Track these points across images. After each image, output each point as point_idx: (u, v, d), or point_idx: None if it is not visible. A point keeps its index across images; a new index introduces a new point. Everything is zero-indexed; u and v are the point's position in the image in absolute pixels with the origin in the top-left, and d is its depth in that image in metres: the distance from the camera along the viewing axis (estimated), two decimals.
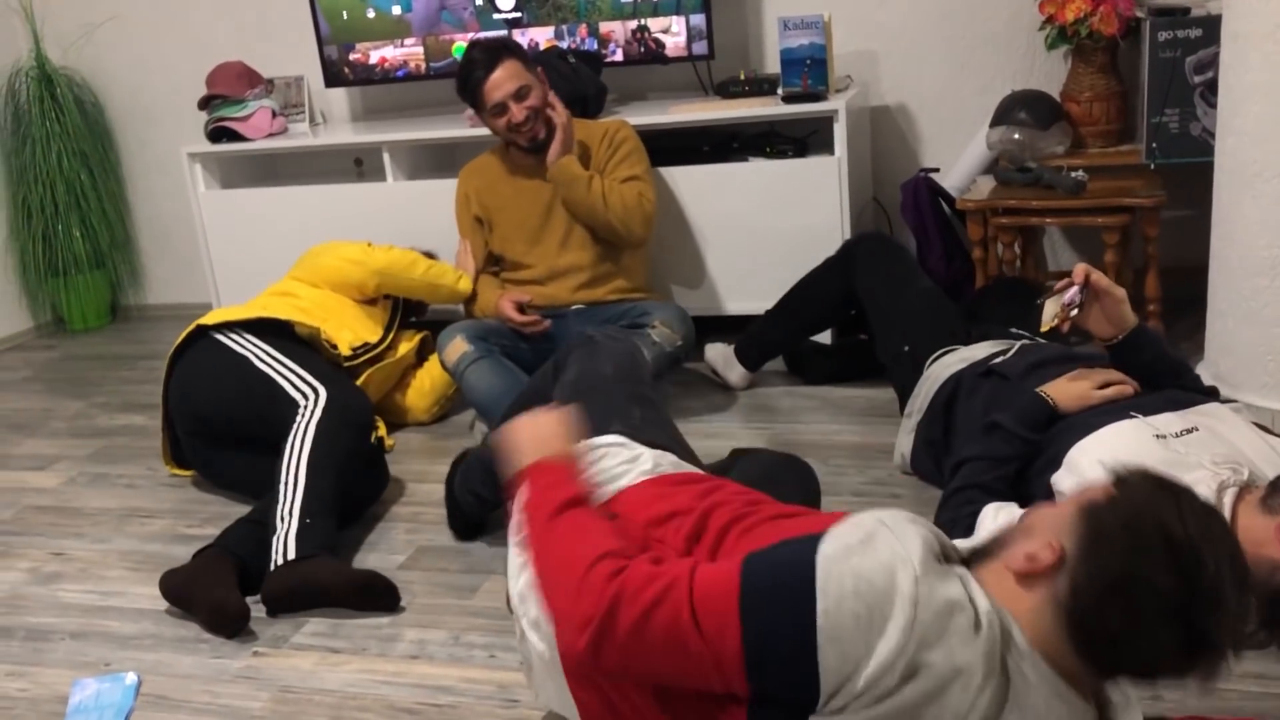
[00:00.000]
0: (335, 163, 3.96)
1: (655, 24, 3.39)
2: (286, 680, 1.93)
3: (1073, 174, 2.88)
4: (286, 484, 2.27)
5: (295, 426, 2.37)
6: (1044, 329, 2.07)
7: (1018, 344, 2.32)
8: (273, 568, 2.14)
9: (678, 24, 3.37)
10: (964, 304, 2.88)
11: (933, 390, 2.31)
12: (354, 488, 2.41)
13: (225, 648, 2.05)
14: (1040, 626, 1.18)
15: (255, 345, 2.60)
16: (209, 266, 3.78)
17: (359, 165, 3.91)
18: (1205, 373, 2.59)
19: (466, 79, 2.86)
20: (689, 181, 3.23)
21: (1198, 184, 2.97)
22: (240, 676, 1.96)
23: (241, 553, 2.20)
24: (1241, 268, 2.43)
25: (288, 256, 3.17)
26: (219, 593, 2.09)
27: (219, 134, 3.70)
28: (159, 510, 2.67)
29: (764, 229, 3.18)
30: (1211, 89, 2.78)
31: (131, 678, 1.96)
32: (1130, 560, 1.13)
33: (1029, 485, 1.97)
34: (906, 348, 2.48)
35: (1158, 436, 1.83)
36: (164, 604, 2.21)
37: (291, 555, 2.14)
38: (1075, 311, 2.02)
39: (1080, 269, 2.04)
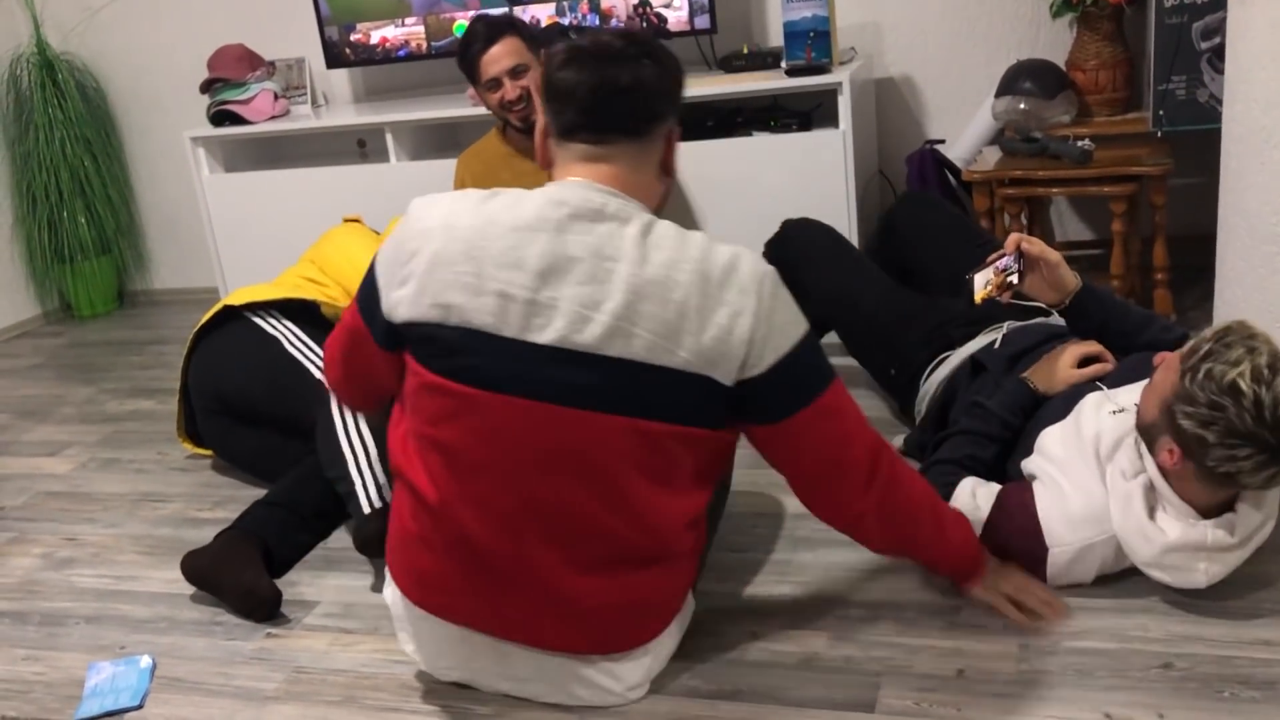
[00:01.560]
0: (338, 144, 3.95)
1: None
2: (300, 661, 1.95)
3: (1079, 143, 2.86)
4: (353, 444, 2.22)
5: (336, 402, 2.31)
6: (978, 300, 2.07)
7: (1003, 333, 2.26)
8: (368, 510, 2.11)
9: None
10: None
11: (931, 402, 2.29)
12: None
13: (238, 630, 2.06)
14: None
15: (287, 328, 2.59)
16: (214, 250, 3.78)
17: (362, 146, 3.91)
18: None
19: (465, 51, 2.85)
20: (693, 157, 3.22)
21: (1205, 151, 2.95)
22: (254, 658, 1.97)
23: (265, 535, 2.20)
24: (1250, 235, 2.42)
25: (292, 239, 3.17)
26: (249, 576, 2.09)
27: (221, 117, 3.70)
28: (170, 494, 2.68)
29: (769, 203, 3.17)
30: (1219, 55, 2.75)
31: (146, 660, 1.98)
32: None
33: (1009, 470, 1.98)
34: (893, 370, 2.41)
35: (1114, 412, 1.85)
36: (177, 587, 2.23)
37: (387, 501, 2.12)
38: (1014, 280, 2.03)
39: (1011, 239, 2.05)
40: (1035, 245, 2.04)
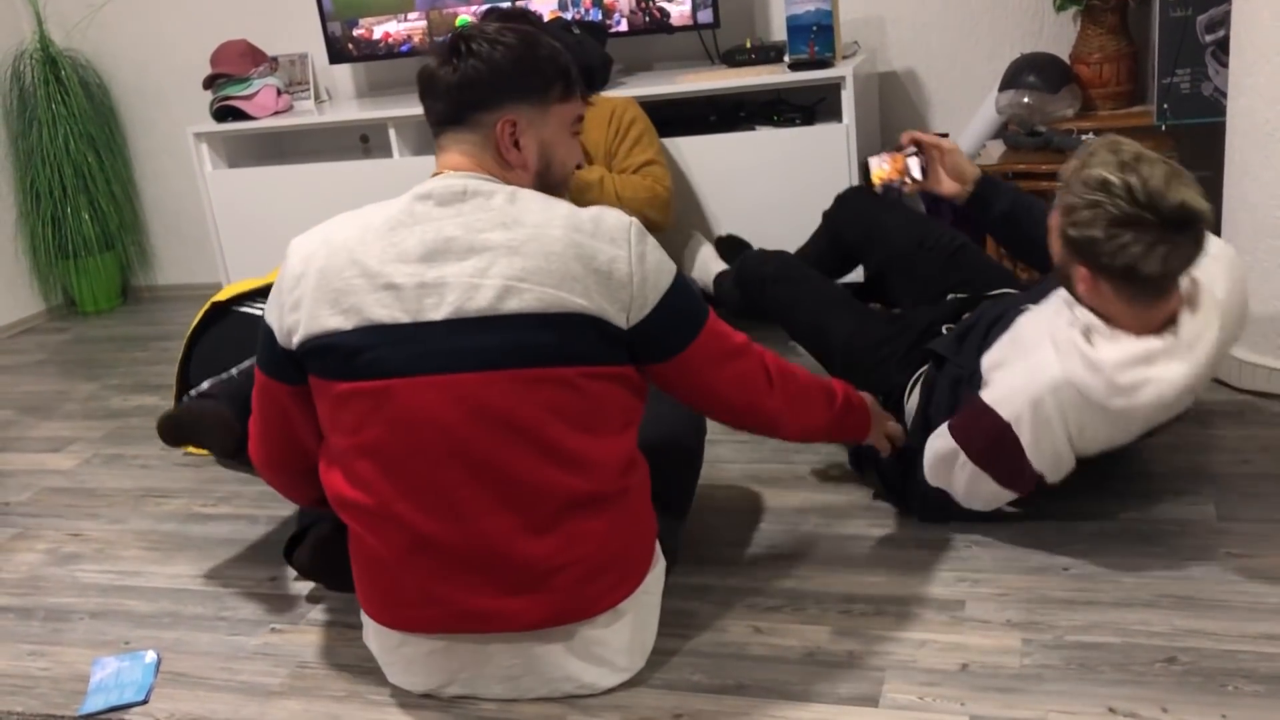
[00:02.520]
0: (341, 139, 3.95)
1: None
2: (304, 656, 1.95)
3: (1083, 137, 2.85)
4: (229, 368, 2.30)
5: None
6: (875, 183, 2.26)
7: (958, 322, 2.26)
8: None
9: None
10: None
11: (915, 412, 2.24)
12: None
13: (243, 625, 2.07)
14: None
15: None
16: (218, 246, 3.78)
17: (365, 142, 3.90)
18: None
19: None
20: (696, 151, 3.22)
21: (1210, 145, 2.94)
22: (258, 653, 1.98)
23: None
24: (1254, 228, 2.42)
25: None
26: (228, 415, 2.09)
27: (224, 113, 3.70)
28: (174, 490, 2.68)
29: (772, 198, 3.17)
30: (1223, 48, 2.74)
31: (151, 656, 1.98)
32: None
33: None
34: (880, 398, 2.32)
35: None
36: (181, 583, 2.24)
37: (204, 389, 2.16)
38: (919, 175, 2.21)
39: (906, 135, 2.23)
40: (928, 136, 2.24)
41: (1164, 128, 2.91)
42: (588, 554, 1.65)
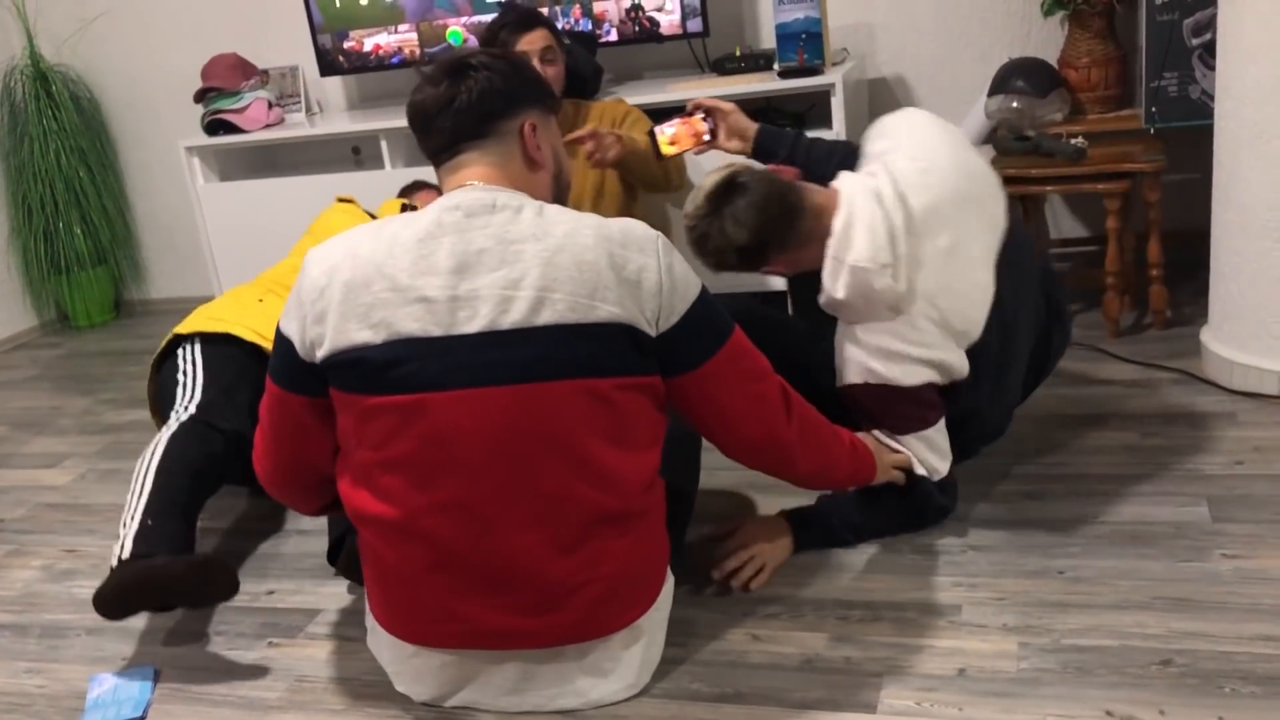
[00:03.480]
0: (333, 152, 3.95)
1: (649, 2, 3.38)
2: (302, 670, 1.95)
3: (1072, 141, 2.87)
4: (133, 490, 2.14)
5: (158, 435, 2.28)
6: (666, 154, 2.43)
7: None
8: (109, 571, 1.97)
9: (672, 2, 3.36)
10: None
11: None
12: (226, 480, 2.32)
13: (240, 640, 2.07)
14: None
15: (189, 356, 2.49)
16: (210, 259, 3.78)
17: (357, 154, 3.91)
18: (1210, 335, 2.59)
19: (495, 31, 2.85)
20: (688, 159, 3.22)
21: (1198, 147, 2.96)
22: (256, 667, 1.97)
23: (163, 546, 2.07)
24: (1243, 231, 2.43)
25: (288, 246, 3.17)
26: (187, 562, 1.96)
27: (215, 126, 3.70)
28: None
29: None
30: (1210, 51, 2.76)
31: (148, 671, 1.98)
32: None
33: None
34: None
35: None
36: None
37: (126, 555, 1.97)
38: (709, 139, 2.38)
39: (692, 102, 2.38)
40: (708, 99, 2.39)
41: (1152, 131, 2.93)
42: (609, 573, 1.65)
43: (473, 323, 1.56)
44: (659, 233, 1.65)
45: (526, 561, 1.61)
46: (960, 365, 2.00)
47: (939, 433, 2.03)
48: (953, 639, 1.79)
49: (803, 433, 1.79)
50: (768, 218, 1.95)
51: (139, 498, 2.12)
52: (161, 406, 2.53)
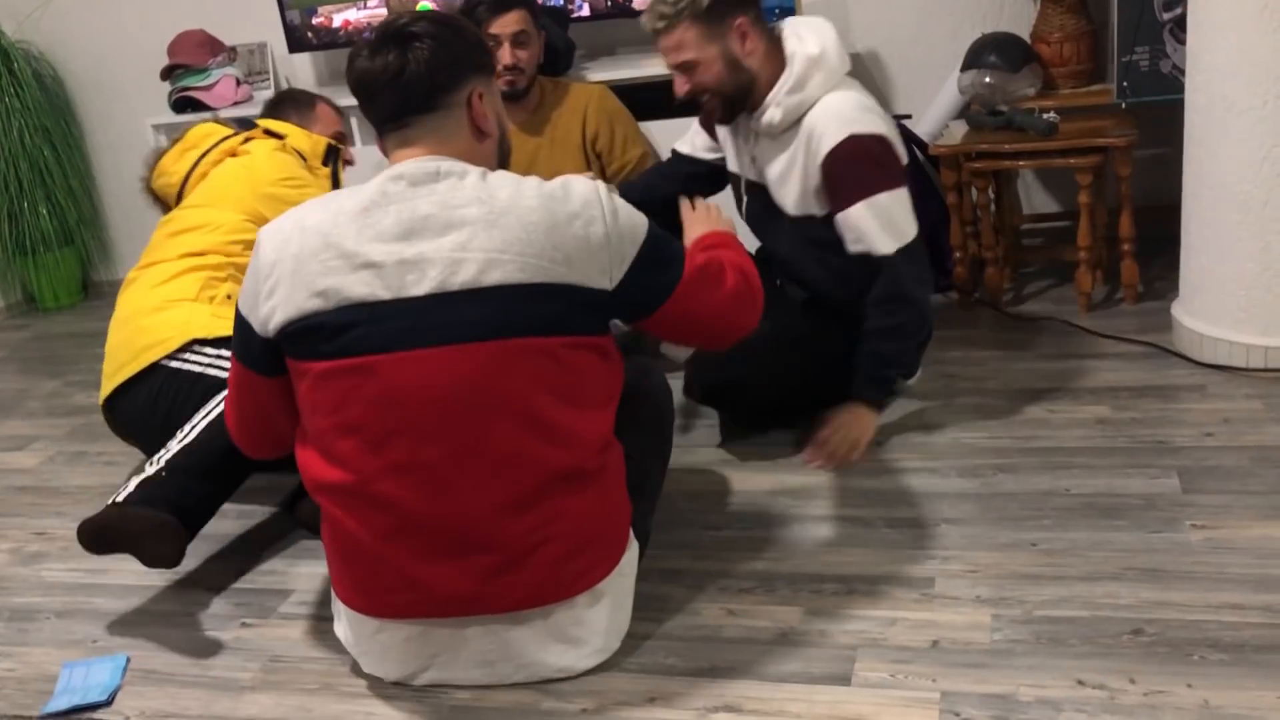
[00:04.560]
0: None
1: None
2: (276, 650, 1.94)
3: (1045, 116, 2.87)
4: (178, 435, 2.18)
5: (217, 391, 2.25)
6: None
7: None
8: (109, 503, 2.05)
9: None
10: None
11: None
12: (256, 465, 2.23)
13: (213, 621, 2.05)
14: None
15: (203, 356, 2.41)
16: None
17: None
18: (1180, 308, 2.61)
19: (472, 10, 2.84)
20: (660, 136, 3.20)
21: (1169, 121, 2.97)
22: (229, 648, 1.96)
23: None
24: (1214, 204, 2.44)
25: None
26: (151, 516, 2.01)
27: (183, 104, 3.65)
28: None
29: None
30: (1180, 25, 2.77)
31: (120, 659, 1.96)
32: None
33: None
34: None
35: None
36: (149, 579, 2.22)
37: (121, 497, 2.05)
38: None
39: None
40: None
41: (1124, 105, 2.93)
42: (568, 531, 1.66)
43: (421, 285, 1.57)
44: (599, 182, 1.67)
45: (483, 521, 1.62)
46: (897, 140, 2.29)
47: (898, 202, 2.23)
48: (926, 611, 1.80)
49: (755, 281, 1.85)
50: None
51: (175, 445, 2.17)
52: (158, 422, 2.34)
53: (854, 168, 2.21)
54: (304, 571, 2.18)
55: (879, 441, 2.37)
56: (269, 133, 2.71)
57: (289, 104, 2.84)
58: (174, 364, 2.36)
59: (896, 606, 1.82)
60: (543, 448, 1.62)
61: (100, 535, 2.01)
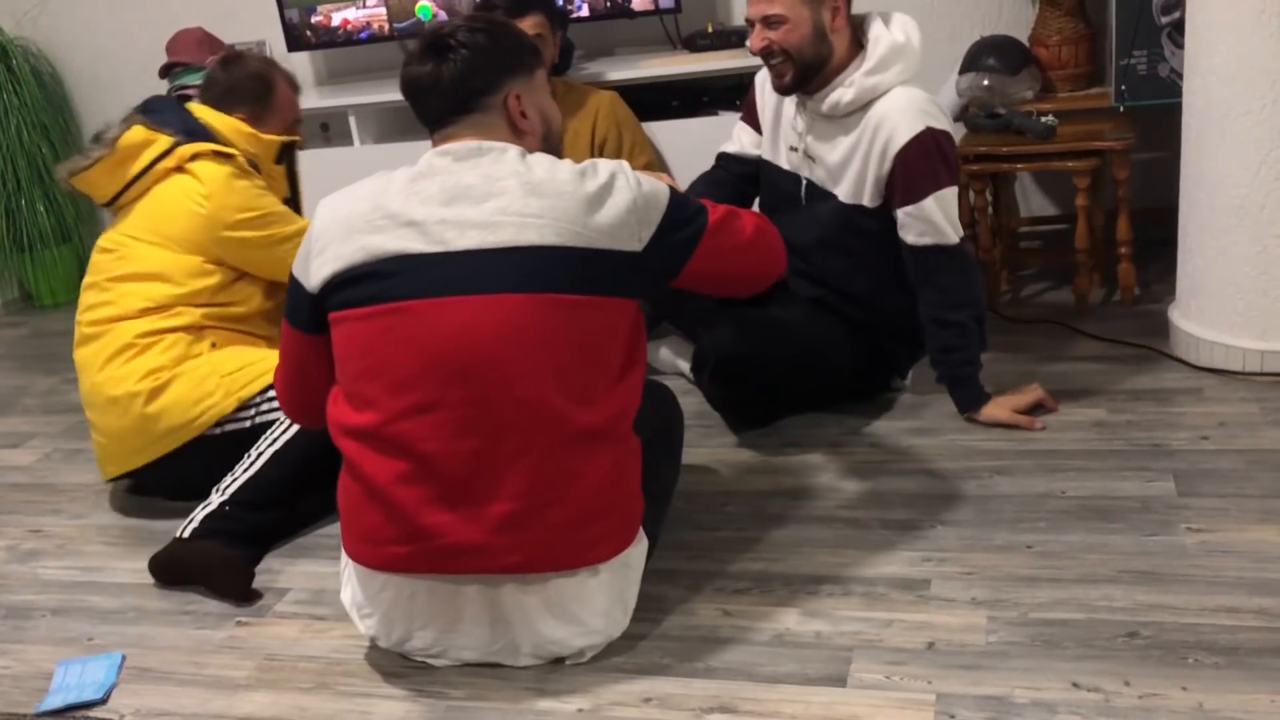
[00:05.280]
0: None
1: None
2: (271, 649, 1.94)
3: (1043, 119, 2.87)
4: (242, 463, 2.24)
5: (281, 421, 2.27)
6: None
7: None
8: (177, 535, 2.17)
9: None
10: None
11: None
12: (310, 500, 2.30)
13: (208, 619, 2.05)
14: None
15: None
16: None
17: (325, 130, 3.86)
18: (1177, 312, 2.61)
19: (491, 10, 2.84)
20: (659, 137, 3.21)
21: (1167, 125, 2.97)
22: (224, 647, 1.96)
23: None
24: (1211, 208, 2.44)
25: None
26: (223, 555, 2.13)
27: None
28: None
29: None
30: (1179, 29, 2.77)
31: (116, 657, 1.96)
32: None
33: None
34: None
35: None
36: (144, 577, 2.21)
37: (187, 534, 2.16)
38: None
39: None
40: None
41: (1122, 109, 2.94)
42: (578, 496, 1.68)
43: (460, 241, 1.67)
44: (620, 160, 1.80)
45: (497, 467, 1.66)
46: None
47: (955, 197, 2.30)
48: (922, 613, 1.80)
49: (772, 230, 1.95)
50: None
51: (238, 478, 2.23)
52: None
53: (929, 160, 2.25)
54: (300, 570, 2.18)
55: (875, 445, 2.37)
56: (218, 154, 2.43)
57: (246, 97, 2.54)
58: (218, 430, 2.34)
59: (892, 608, 1.82)
60: (563, 402, 1.67)
61: (168, 569, 2.16)
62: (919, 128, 2.24)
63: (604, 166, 1.75)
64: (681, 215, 1.79)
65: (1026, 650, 1.68)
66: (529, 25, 2.85)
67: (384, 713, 1.73)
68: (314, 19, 3.64)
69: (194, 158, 2.42)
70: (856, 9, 2.37)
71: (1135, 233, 2.91)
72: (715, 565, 2.01)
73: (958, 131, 3.08)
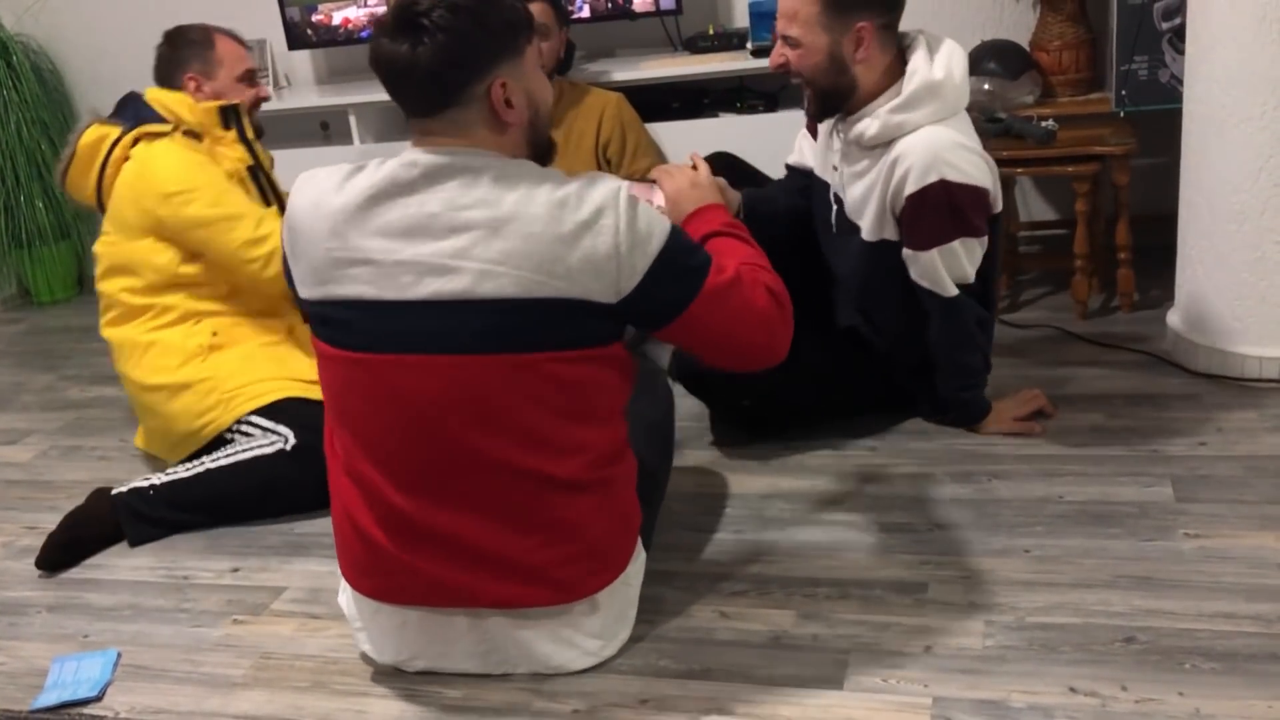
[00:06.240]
0: (301, 126, 3.90)
1: None
2: (267, 647, 1.93)
3: (1043, 123, 2.87)
4: (189, 464, 2.36)
5: (260, 445, 2.33)
6: None
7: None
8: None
9: None
10: None
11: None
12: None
13: (204, 617, 2.05)
14: None
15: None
16: None
17: (325, 129, 3.86)
18: (1176, 317, 2.61)
19: None
20: (660, 139, 3.21)
21: (1167, 131, 2.98)
22: (220, 645, 1.96)
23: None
24: (1210, 214, 2.45)
25: None
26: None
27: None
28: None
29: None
30: (1179, 35, 2.77)
31: (111, 655, 1.95)
32: None
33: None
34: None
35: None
36: (141, 575, 2.21)
37: (113, 493, 2.33)
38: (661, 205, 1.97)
39: (655, 171, 2.03)
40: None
41: (1122, 114, 2.94)
42: (563, 539, 1.65)
43: (416, 289, 1.55)
44: (622, 184, 1.57)
45: (474, 517, 1.62)
46: (997, 192, 2.24)
47: (969, 250, 2.20)
48: (919, 617, 1.80)
49: (787, 304, 1.72)
50: None
51: (178, 474, 2.34)
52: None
53: (936, 214, 2.13)
54: (297, 569, 2.17)
55: (873, 448, 2.37)
56: (150, 134, 2.46)
57: (190, 60, 2.51)
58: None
59: (890, 611, 1.82)
60: (539, 461, 1.60)
61: (77, 515, 2.32)
62: (930, 179, 2.10)
63: (596, 195, 1.54)
64: (675, 267, 1.58)
65: (1024, 655, 1.68)
66: (536, 12, 2.83)
67: (380, 712, 1.73)
68: (314, 17, 3.64)
69: (135, 142, 2.45)
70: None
71: (1135, 238, 2.91)
72: (712, 567, 2.00)
73: None
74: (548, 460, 1.60)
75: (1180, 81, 2.72)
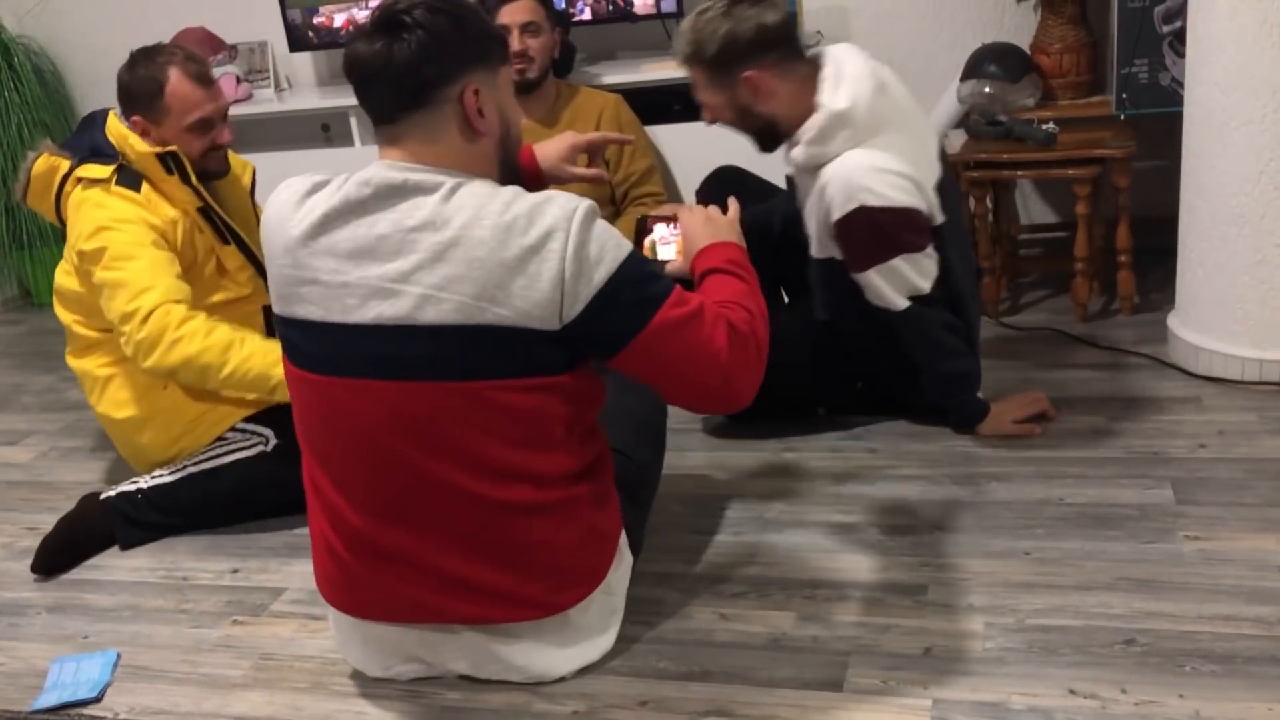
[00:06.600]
0: (302, 128, 3.91)
1: None
2: (267, 648, 1.93)
3: (1044, 126, 2.87)
4: (181, 464, 2.37)
5: (240, 446, 2.34)
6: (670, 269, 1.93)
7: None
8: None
9: None
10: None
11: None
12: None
13: (204, 618, 2.05)
14: None
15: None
16: None
17: (326, 131, 3.87)
18: (1176, 320, 2.61)
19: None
20: (660, 141, 3.21)
21: (1168, 134, 2.98)
22: (220, 645, 1.96)
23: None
24: (1211, 217, 2.45)
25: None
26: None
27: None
28: None
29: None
30: (1180, 38, 2.77)
31: (111, 655, 1.95)
32: None
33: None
34: (859, 384, 2.50)
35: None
36: (141, 575, 2.21)
37: (101, 496, 2.35)
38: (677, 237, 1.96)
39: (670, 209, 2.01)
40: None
41: (1123, 117, 2.94)
42: (523, 563, 1.63)
43: (359, 312, 1.53)
44: (580, 205, 1.50)
45: (432, 538, 1.61)
46: (931, 206, 2.20)
47: (912, 263, 2.19)
48: (919, 619, 1.80)
49: (759, 348, 1.64)
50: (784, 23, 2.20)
51: (163, 477, 2.35)
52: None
53: (863, 240, 2.17)
54: (296, 570, 2.17)
55: (873, 450, 2.37)
56: (84, 179, 2.38)
57: (137, 101, 2.42)
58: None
59: (889, 613, 1.82)
60: (489, 487, 1.57)
61: (69, 520, 2.33)
62: (850, 207, 2.12)
63: (547, 217, 1.48)
64: (623, 299, 1.51)
65: (1023, 657, 1.68)
66: (523, 10, 2.85)
67: (379, 714, 1.73)
68: (316, 20, 3.64)
69: (78, 182, 2.38)
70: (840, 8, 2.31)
71: (1135, 241, 2.91)
72: (712, 568, 2.00)
73: (958, 138, 3.10)
74: (495, 487, 1.57)
75: (1181, 85, 2.72)
